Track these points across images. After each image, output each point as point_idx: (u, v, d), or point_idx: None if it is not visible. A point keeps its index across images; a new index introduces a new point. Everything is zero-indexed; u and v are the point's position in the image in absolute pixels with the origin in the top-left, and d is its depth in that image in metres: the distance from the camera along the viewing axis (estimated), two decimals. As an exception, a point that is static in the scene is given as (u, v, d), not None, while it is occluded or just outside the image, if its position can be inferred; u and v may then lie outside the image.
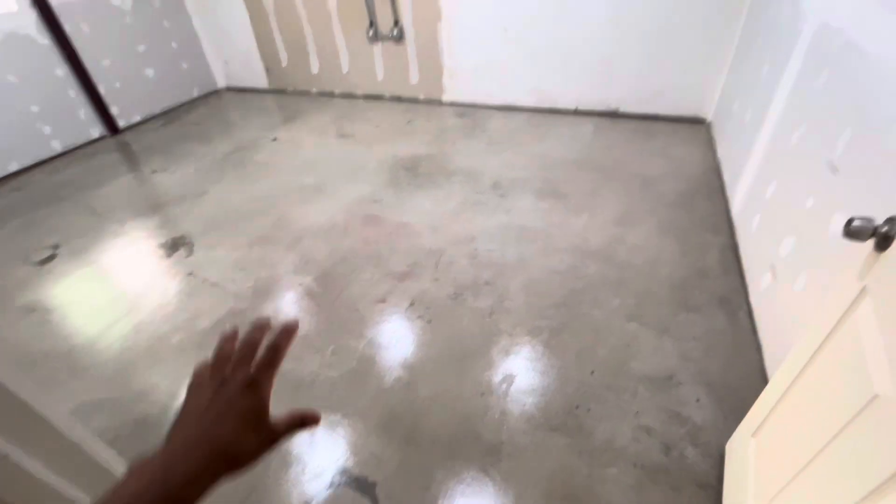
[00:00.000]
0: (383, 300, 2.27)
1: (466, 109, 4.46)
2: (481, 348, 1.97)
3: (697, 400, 1.71)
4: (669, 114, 3.91)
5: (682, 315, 2.06)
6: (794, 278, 1.66)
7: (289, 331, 0.43)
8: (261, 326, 0.43)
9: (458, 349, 1.98)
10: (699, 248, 2.45)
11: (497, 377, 1.85)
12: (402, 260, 2.51)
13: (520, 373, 1.86)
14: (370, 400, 1.80)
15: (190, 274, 2.54)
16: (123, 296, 2.44)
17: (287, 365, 1.91)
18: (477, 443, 1.63)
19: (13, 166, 3.80)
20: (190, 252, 2.72)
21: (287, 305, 2.29)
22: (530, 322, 2.08)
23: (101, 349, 2.12)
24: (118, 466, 0.49)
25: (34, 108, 3.86)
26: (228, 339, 0.43)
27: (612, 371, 1.84)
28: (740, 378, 1.78)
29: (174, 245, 2.80)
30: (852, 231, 0.89)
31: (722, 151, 3.19)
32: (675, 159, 3.31)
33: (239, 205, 3.16)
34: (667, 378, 1.79)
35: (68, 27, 3.95)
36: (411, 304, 2.23)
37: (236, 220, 2.99)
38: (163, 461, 0.34)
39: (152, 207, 3.24)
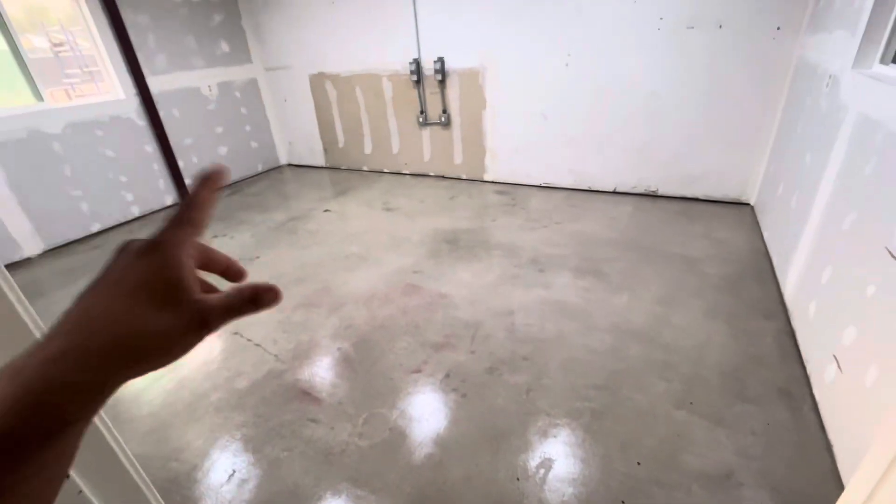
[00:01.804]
0: (418, 370, 2.24)
1: (507, 188, 4.66)
2: (517, 428, 1.88)
3: (761, 506, 1.52)
4: (710, 196, 3.92)
5: (737, 406, 1.90)
6: (864, 371, 1.53)
7: (209, 179, 0.34)
8: (201, 178, 0.34)
9: (492, 427, 1.90)
10: (751, 333, 2.32)
11: (534, 461, 1.74)
12: (439, 330, 2.52)
13: (558, 458, 1.74)
14: (399, 476, 1.72)
15: (235, 333, 2.64)
16: (172, 351, 2.55)
17: (318, 432, 1.89)
18: (511, 535, 1.50)
19: (95, 227, 4.24)
20: (238, 312, 2.85)
21: (324, 370, 2.31)
22: (570, 403, 1.98)
23: (144, 402, 2.18)
24: None
25: (123, 179, 4.38)
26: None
27: (661, 464, 1.69)
28: (809, 482, 1.58)
29: (224, 305, 2.95)
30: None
31: (769, 235, 3.12)
32: (718, 241, 3.26)
33: (288, 270, 3.33)
34: (725, 476, 1.63)
35: (163, 112, 4.58)
36: (446, 376, 2.19)
37: (284, 283, 3.14)
38: (34, 358, 0.25)
39: (209, 269, 3.46)
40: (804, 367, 2.05)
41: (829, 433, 1.72)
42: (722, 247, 3.18)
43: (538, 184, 4.61)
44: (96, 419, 0.40)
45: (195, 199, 0.33)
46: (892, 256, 1.48)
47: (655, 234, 3.45)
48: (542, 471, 1.70)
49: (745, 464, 1.66)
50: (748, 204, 3.82)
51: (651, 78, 3.71)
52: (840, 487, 1.54)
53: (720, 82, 3.51)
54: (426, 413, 2.00)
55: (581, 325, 2.48)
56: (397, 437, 1.89)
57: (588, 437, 1.82)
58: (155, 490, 0.52)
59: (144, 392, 2.24)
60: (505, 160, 4.68)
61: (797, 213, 2.51)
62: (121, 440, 0.43)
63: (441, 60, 4.44)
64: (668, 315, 2.50)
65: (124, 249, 0.30)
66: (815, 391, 1.90)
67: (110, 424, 0.40)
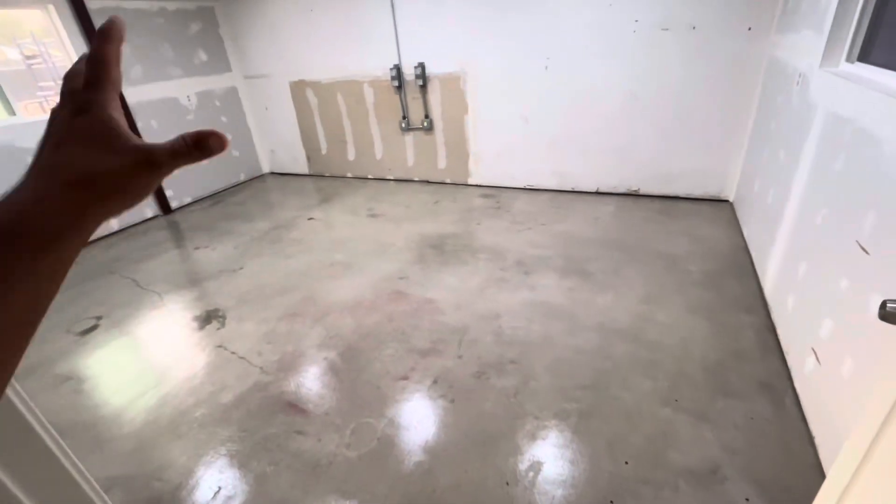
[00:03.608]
0: (406, 377, 2.23)
1: (491, 191, 4.68)
2: (506, 432, 1.88)
3: (747, 499, 1.54)
4: (690, 194, 3.99)
5: (720, 401, 1.93)
6: (840, 363, 1.56)
7: (107, 33, 0.33)
8: (102, 35, 0.33)
9: (481, 432, 1.89)
10: (733, 328, 2.35)
11: (523, 465, 1.74)
12: (426, 336, 2.51)
13: (547, 460, 1.75)
14: (388, 487, 1.71)
15: (219, 346, 2.60)
16: (154, 367, 2.50)
17: (305, 444, 1.87)
18: (501, 540, 1.49)
19: (73, 243, 4.13)
20: (221, 325, 2.81)
21: (310, 380, 2.28)
22: (557, 404, 1.99)
23: (126, 421, 2.13)
24: None
25: (100, 192, 4.29)
26: (78, 62, 0.34)
27: (649, 462, 1.70)
28: (793, 473, 1.61)
29: (207, 318, 2.90)
30: (888, 314, 0.86)
31: (748, 231, 3.18)
32: (699, 238, 3.31)
33: (272, 280, 3.29)
34: (710, 472, 1.64)
35: (140, 123, 4.50)
36: (434, 383, 2.18)
37: (268, 294, 3.10)
38: (10, 200, 0.29)
39: (191, 281, 3.41)
40: (785, 361, 2.09)
41: (811, 424, 1.76)
42: (703, 244, 3.23)
43: (522, 186, 4.64)
44: (53, 446, 0.39)
45: (102, 57, 0.33)
46: (863, 250, 1.52)
47: (638, 232, 3.49)
48: (531, 474, 1.70)
49: (729, 458, 1.68)
50: (727, 201, 3.89)
51: (628, 80, 3.77)
52: (823, 477, 1.56)
53: (695, 82, 3.58)
54: (414, 421, 1.99)
55: (567, 325, 2.49)
56: (386, 447, 1.87)
57: (576, 438, 1.82)
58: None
59: (125, 411, 2.19)
60: (488, 164, 4.70)
61: (773, 209, 2.56)
62: (80, 465, 0.42)
63: (422, 66, 4.45)
64: (652, 313, 2.53)
65: (56, 117, 0.32)
66: (796, 384, 1.94)
67: (68, 451, 0.39)
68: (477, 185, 4.86)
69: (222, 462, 1.87)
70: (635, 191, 4.17)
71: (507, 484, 1.67)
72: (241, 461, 1.87)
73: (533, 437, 1.85)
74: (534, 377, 2.15)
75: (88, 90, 0.32)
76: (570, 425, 1.88)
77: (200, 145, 0.33)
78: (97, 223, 0.31)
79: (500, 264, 3.20)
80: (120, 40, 0.34)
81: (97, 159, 0.31)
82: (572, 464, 1.72)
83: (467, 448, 1.83)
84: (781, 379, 2.01)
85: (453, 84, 4.45)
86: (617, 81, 3.81)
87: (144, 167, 0.32)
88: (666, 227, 3.53)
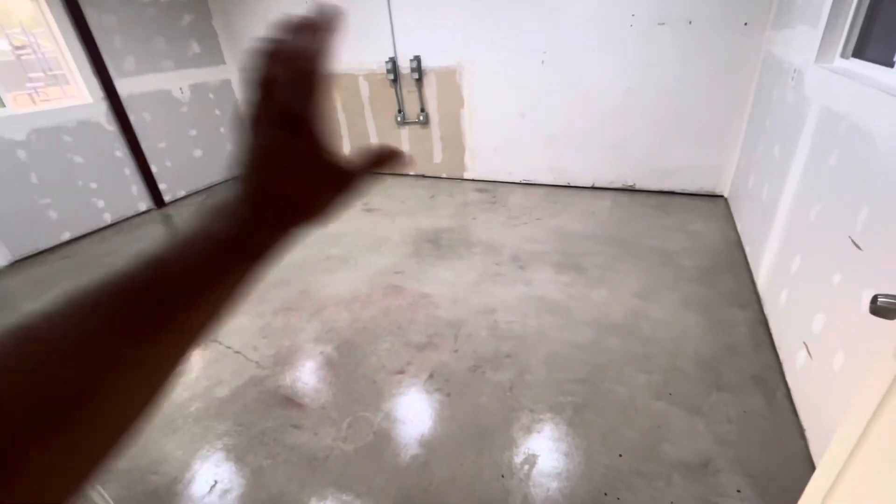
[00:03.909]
0: (402, 371, 2.24)
1: (487, 185, 4.67)
2: (501, 425, 1.90)
3: (738, 491, 1.57)
4: (685, 189, 4.01)
5: (713, 394, 1.95)
6: (832, 357, 1.58)
7: (330, 26, 0.30)
8: (323, 28, 0.30)
9: (477, 426, 1.91)
10: (726, 323, 2.38)
11: (518, 457, 1.75)
12: (421, 331, 2.52)
13: (542, 453, 1.76)
14: (385, 480, 1.72)
15: (214, 341, 2.59)
16: (149, 361, 2.48)
17: (301, 438, 1.88)
18: (497, 532, 1.51)
19: (66, 236, 4.10)
20: (217, 319, 2.80)
21: (306, 374, 2.28)
22: (552, 398, 2.00)
23: (121, 415, 2.12)
24: None
25: (93, 185, 4.24)
26: (271, 58, 0.29)
27: (642, 454, 1.72)
28: (784, 465, 1.64)
29: (202, 312, 2.89)
30: (879, 309, 0.87)
31: (742, 226, 3.20)
32: (694, 234, 3.33)
33: (267, 274, 3.28)
34: (703, 465, 1.67)
35: (133, 116, 4.45)
36: (430, 377, 2.19)
37: (264, 288, 3.09)
38: (232, 214, 0.30)
39: (186, 276, 3.39)
40: (777, 355, 2.12)
41: (802, 418, 1.78)
42: (697, 239, 3.25)
43: (518, 181, 4.64)
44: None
45: (319, 61, 0.29)
46: (856, 245, 1.54)
47: (633, 228, 3.50)
48: (526, 467, 1.72)
49: (722, 451, 1.71)
50: (722, 196, 3.91)
51: (625, 74, 3.76)
52: (813, 469, 1.59)
53: (691, 77, 3.58)
54: (410, 414, 2.00)
55: (562, 320, 2.51)
56: (382, 440, 1.88)
57: (571, 431, 1.84)
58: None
59: (120, 405, 2.18)
60: (485, 158, 4.69)
61: (767, 204, 2.58)
62: None
63: (417, 59, 4.42)
64: (646, 308, 2.55)
65: (264, 131, 0.30)
66: (788, 377, 1.97)
67: None
68: (473, 180, 4.85)
69: (218, 456, 1.88)
70: (631, 186, 4.19)
71: (503, 477, 1.69)
72: (238, 455, 1.87)
73: (528, 431, 1.86)
74: (529, 371, 2.17)
75: (301, 101, 0.30)
76: (565, 418, 1.90)
77: (386, 160, 0.34)
78: (286, 237, 0.33)
79: (495, 259, 3.21)
80: (331, 33, 0.30)
81: (318, 189, 0.32)
82: (567, 456, 1.74)
83: (463, 441, 1.84)
84: (773, 373, 2.03)
85: (449, 78, 4.43)
86: (614, 76, 3.80)
87: (354, 195, 0.34)
88: (661, 223, 3.55)
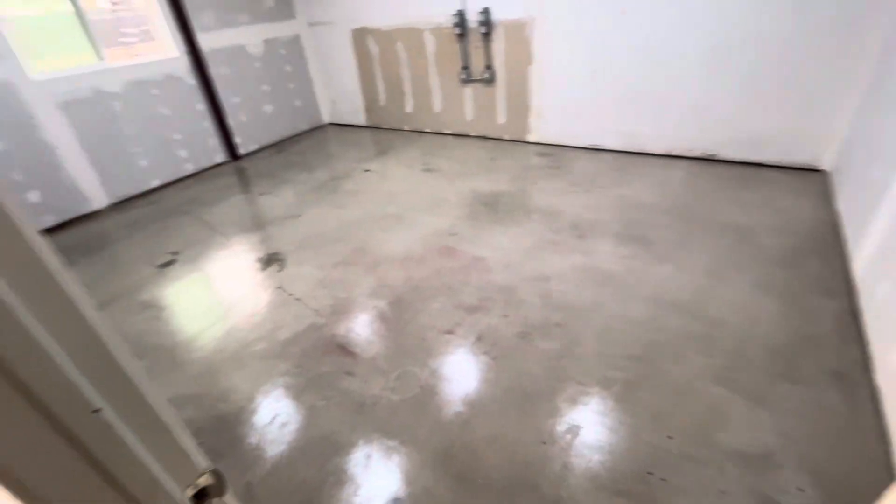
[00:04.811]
0: (451, 332, 2.28)
1: (551, 149, 4.47)
2: (546, 393, 1.89)
3: (800, 489, 1.46)
4: (777, 161, 3.59)
5: (782, 385, 1.80)
6: (935, 359, 1.39)
7: None
8: None
9: (521, 391, 1.91)
10: (808, 311, 2.15)
11: (561, 426, 1.75)
12: (473, 293, 2.52)
13: (586, 425, 1.74)
14: (428, 431, 1.79)
15: (279, 288, 2.77)
16: (221, 302, 2.72)
17: (353, 384, 1.98)
18: (534, 494, 1.53)
19: (155, 182, 4.49)
20: (281, 268, 2.98)
21: (360, 326, 2.39)
22: (601, 371, 1.95)
23: (197, 348, 2.36)
24: (200, 458, 0.54)
25: (177, 136, 4.57)
26: None
27: (695, 439, 1.64)
28: (858, 470, 1.50)
29: (269, 260, 3.09)
30: None
31: (844, 206, 2.83)
32: (780, 210, 3.00)
33: (328, 228, 3.42)
34: (762, 457, 1.56)
35: (212, 70, 4.68)
36: (478, 339, 2.21)
37: (324, 242, 3.23)
38: None
39: (255, 225, 3.62)
40: (866, 351, 1.90)
41: (889, 422, 1.60)
42: (783, 216, 2.93)
43: (584, 145, 4.39)
44: (113, 350, 0.42)
45: None
46: None
47: (709, 201, 3.22)
48: (568, 436, 1.71)
49: (786, 446, 1.59)
50: (820, 170, 3.46)
51: (718, 25, 3.34)
52: (893, 479, 1.44)
53: (803, 28, 3.10)
54: (456, 373, 2.04)
55: (619, 294, 2.40)
56: (427, 395, 1.94)
57: (618, 407, 1.79)
58: (187, 429, 0.55)
59: (197, 338, 2.42)
60: (550, 120, 4.46)
61: (879, 182, 2.24)
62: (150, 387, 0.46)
63: (486, 11, 4.20)
64: (715, 288, 2.37)
65: None
66: (878, 377, 1.76)
67: (127, 355, 0.43)
68: (536, 143, 4.66)
69: (279, 392, 2.04)
70: (711, 155, 3.82)
71: (544, 443, 1.69)
72: (296, 394, 2.02)
73: (573, 402, 1.84)
74: (579, 343, 2.12)
75: None
76: (614, 394, 1.85)
77: None
78: None
79: (553, 226, 3.10)
80: None
81: None
82: (612, 431, 1.71)
83: (506, 405, 1.86)
84: (858, 370, 1.83)
85: (519, 31, 4.19)
86: (704, 27, 3.39)
87: None
88: (743, 197, 3.22)
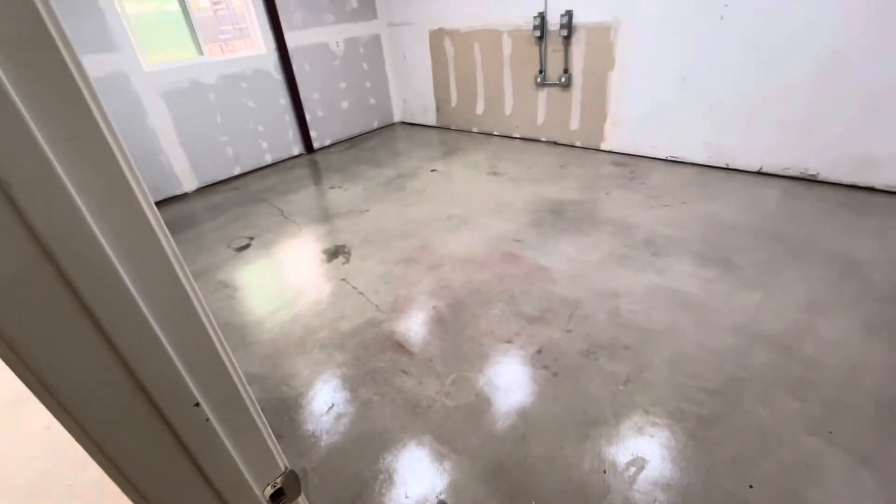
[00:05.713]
0: (510, 341, 2.21)
1: (626, 159, 4.25)
2: (610, 419, 1.77)
3: (914, 571, 1.25)
4: (893, 187, 3.15)
5: (893, 445, 1.56)
6: None
7: None
8: None
9: (582, 413, 1.81)
10: (931, 362, 1.86)
11: (624, 457, 1.63)
12: (534, 303, 2.44)
13: (653, 459, 1.61)
14: (481, 442, 1.74)
15: (343, 279, 2.84)
16: (289, 288, 2.83)
17: (408, 383, 1.98)
18: (591, 526, 1.43)
19: (237, 170, 4.81)
20: (346, 260, 3.06)
21: (418, 325, 2.39)
22: (674, 403, 1.80)
23: (265, 329, 2.47)
24: (280, 458, 0.53)
25: (260, 128, 4.86)
26: None
27: (781, 493, 1.46)
28: None
29: (335, 252, 3.18)
30: None
31: (979, 242, 2.42)
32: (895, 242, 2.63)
33: (393, 225, 3.46)
34: (864, 525, 1.36)
35: (296, 66, 4.93)
36: (538, 352, 2.12)
37: (388, 238, 3.28)
38: None
39: (324, 217, 3.75)
40: None
41: None
42: (902, 250, 2.56)
43: (664, 157, 4.12)
44: (218, 346, 0.42)
45: None
46: None
47: (808, 226, 2.89)
48: (632, 469, 1.58)
49: (897, 517, 1.37)
50: (951, 199, 3.00)
51: (833, 32, 2.99)
52: None
53: (940, 38, 2.70)
54: (513, 385, 1.97)
55: (698, 319, 2.21)
56: (482, 403, 1.89)
57: (692, 445, 1.64)
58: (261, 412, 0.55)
59: (266, 320, 2.54)
60: (627, 128, 4.24)
61: None
62: (236, 365, 0.46)
63: (569, 14, 4.07)
64: (812, 323, 2.11)
65: None
66: None
67: (229, 352, 0.42)
68: (610, 152, 4.45)
69: (336, 383, 2.08)
70: (812, 175, 3.43)
71: (605, 472, 1.58)
72: (352, 386, 2.05)
73: (640, 431, 1.71)
74: (649, 368, 1.97)
75: None
76: (687, 429, 1.69)
77: None
78: None
79: (625, 240, 2.93)
80: None
81: None
82: (683, 471, 1.56)
83: (566, 425, 1.76)
84: None
85: (602, 35, 4.01)
86: (816, 34, 3.06)
87: None
88: (849, 224, 2.86)
